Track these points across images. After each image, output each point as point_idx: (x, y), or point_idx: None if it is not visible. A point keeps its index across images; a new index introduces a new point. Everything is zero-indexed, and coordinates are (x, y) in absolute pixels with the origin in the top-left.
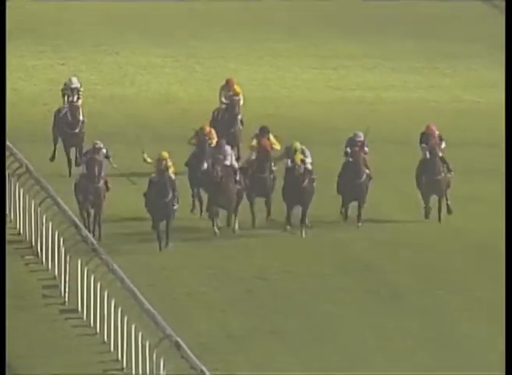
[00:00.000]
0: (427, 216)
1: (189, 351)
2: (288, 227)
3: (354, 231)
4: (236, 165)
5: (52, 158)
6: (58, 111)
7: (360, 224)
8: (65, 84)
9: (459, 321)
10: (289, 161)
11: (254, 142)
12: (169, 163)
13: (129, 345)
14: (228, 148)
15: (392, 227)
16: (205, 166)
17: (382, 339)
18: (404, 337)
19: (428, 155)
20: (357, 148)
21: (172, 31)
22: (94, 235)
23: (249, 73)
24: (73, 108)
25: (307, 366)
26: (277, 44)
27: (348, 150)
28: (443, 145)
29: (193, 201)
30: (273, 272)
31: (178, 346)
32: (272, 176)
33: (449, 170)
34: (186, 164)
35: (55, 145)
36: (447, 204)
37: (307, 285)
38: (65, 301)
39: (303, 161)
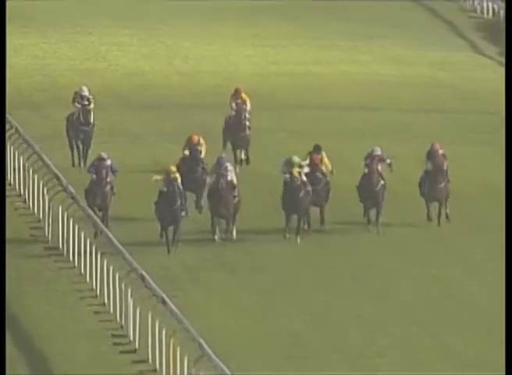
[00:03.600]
0: (429, 218)
1: (152, 282)
2: (287, 235)
3: None
4: (235, 180)
5: (73, 164)
6: (71, 115)
7: (378, 229)
8: (75, 92)
9: (376, 255)
10: (288, 175)
11: (307, 160)
12: (177, 176)
13: (102, 277)
14: (228, 164)
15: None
16: (208, 179)
17: (309, 269)
18: (330, 268)
19: (430, 168)
20: (372, 161)
21: (137, 15)
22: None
23: (201, 51)
24: (85, 111)
25: (249, 292)
26: (224, 27)
27: (367, 162)
28: (446, 162)
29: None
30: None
31: (142, 277)
32: (327, 187)
33: (447, 182)
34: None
35: (72, 150)
36: (446, 212)
37: (250, 226)
38: (48, 240)
39: (299, 173)
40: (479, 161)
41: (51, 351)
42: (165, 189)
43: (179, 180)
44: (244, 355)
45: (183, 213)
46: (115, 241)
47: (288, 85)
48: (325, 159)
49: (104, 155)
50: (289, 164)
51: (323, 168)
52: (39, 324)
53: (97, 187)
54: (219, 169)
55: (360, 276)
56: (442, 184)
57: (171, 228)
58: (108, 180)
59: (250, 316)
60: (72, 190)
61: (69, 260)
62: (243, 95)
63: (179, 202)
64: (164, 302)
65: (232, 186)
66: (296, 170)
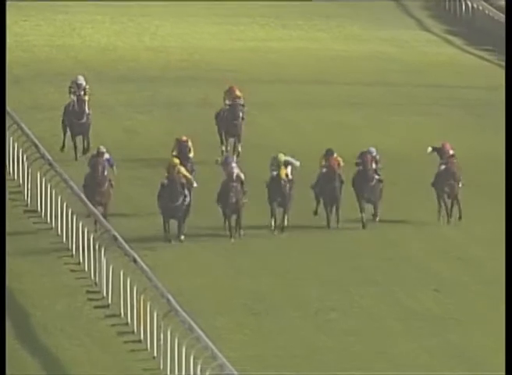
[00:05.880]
0: (439, 213)
1: (123, 242)
2: (273, 228)
3: None
4: (242, 177)
5: (62, 148)
6: (68, 105)
7: (376, 221)
8: (72, 82)
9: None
10: (275, 172)
11: (324, 161)
12: (181, 169)
13: (78, 237)
14: (234, 164)
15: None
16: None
17: (272, 235)
18: (292, 232)
19: (443, 167)
20: (366, 159)
21: None
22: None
23: (169, 28)
24: (80, 102)
25: (216, 253)
26: (191, 6)
27: (359, 161)
28: (455, 160)
29: None
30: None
31: (115, 238)
32: (340, 185)
33: (458, 183)
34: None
35: (64, 135)
36: (460, 210)
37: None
38: (27, 204)
39: (287, 175)
40: (425, 130)
41: (30, 305)
42: (166, 181)
43: (183, 172)
44: (210, 311)
45: (186, 203)
46: (90, 205)
47: (250, 60)
48: (340, 161)
49: (102, 148)
50: (276, 162)
51: (339, 170)
52: (19, 280)
53: (95, 181)
54: (227, 167)
55: (321, 240)
56: (453, 184)
57: (174, 220)
58: (106, 173)
59: (216, 276)
60: (50, 157)
61: (47, 222)
62: (237, 93)
63: (181, 197)
64: (135, 261)
65: (240, 182)
66: (283, 172)
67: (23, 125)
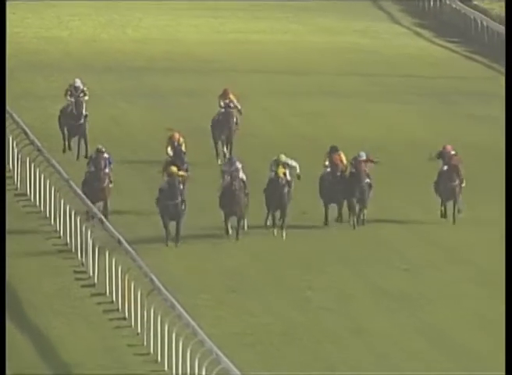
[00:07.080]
0: (442, 215)
1: (109, 225)
2: (272, 229)
3: None
4: (244, 178)
5: (64, 150)
6: (66, 107)
7: (363, 225)
8: (69, 85)
9: (311, 205)
10: (273, 173)
11: (327, 161)
12: (180, 174)
13: (65, 219)
14: (238, 163)
15: None
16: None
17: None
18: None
19: (445, 168)
20: (358, 162)
21: None
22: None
23: (153, 21)
24: (78, 104)
25: (196, 234)
26: (173, 0)
27: (353, 162)
28: (459, 161)
29: None
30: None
31: (101, 221)
32: (344, 183)
33: (461, 181)
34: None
35: (63, 139)
36: (458, 207)
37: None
38: (17, 188)
39: (284, 174)
40: (399, 118)
41: (20, 285)
42: (165, 186)
43: (180, 175)
44: (191, 289)
45: (184, 207)
46: (78, 189)
47: (230, 51)
48: (343, 158)
49: (102, 147)
50: (277, 163)
51: (342, 167)
52: (9, 261)
53: (95, 179)
54: (231, 169)
55: (299, 223)
56: (456, 183)
57: (173, 223)
58: (106, 171)
59: (197, 255)
60: (39, 143)
61: (36, 205)
62: (231, 96)
63: (179, 198)
64: (120, 242)
65: (243, 184)
66: (281, 171)
67: (13, 113)
